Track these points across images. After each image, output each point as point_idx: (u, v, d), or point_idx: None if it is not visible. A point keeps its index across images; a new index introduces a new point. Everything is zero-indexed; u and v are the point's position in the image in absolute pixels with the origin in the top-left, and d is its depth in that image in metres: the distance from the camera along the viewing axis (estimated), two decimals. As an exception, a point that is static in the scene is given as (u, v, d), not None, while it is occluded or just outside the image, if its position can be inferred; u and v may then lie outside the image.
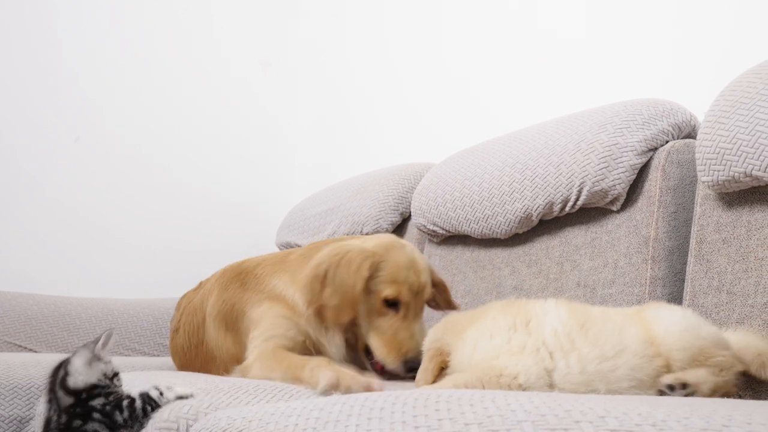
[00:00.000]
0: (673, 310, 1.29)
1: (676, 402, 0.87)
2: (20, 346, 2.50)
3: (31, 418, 1.71)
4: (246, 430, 0.88)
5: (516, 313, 1.26)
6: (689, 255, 1.56)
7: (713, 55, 2.07)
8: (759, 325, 1.38)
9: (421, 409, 0.80)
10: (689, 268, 1.55)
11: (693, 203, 1.66)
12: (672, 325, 1.23)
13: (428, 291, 1.64)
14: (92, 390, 1.16)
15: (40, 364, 1.89)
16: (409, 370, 1.50)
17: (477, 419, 0.71)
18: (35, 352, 2.49)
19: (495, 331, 1.24)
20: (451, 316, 1.42)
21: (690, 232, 1.63)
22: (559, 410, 0.71)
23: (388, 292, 1.56)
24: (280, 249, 2.96)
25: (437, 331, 1.37)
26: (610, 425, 0.64)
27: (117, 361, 2.12)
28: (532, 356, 1.19)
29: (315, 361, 1.43)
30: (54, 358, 2.02)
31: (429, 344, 1.37)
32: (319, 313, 1.57)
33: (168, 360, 2.43)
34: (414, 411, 0.79)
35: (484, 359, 1.22)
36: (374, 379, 1.33)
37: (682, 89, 2.08)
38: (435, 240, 2.27)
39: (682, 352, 1.19)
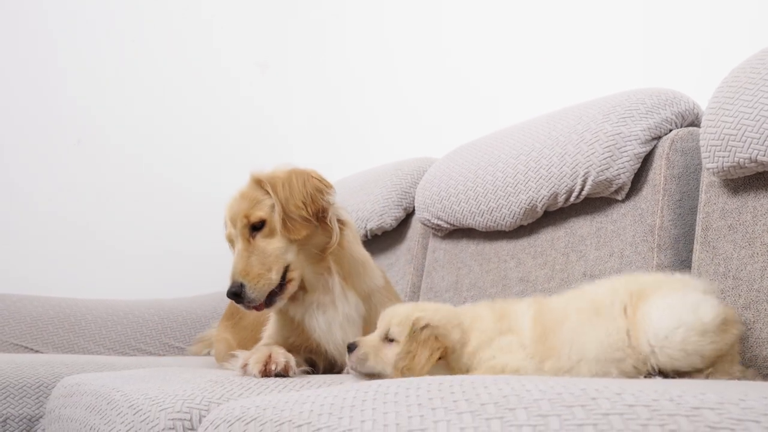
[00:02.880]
0: (674, 314, 1.16)
1: (688, 382, 0.87)
2: (26, 347, 2.51)
3: (41, 416, 1.72)
4: (261, 418, 0.88)
5: (501, 317, 1.31)
6: (695, 242, 1.56)
7: (713, 44, 2.07)
8: (766, 310, 1.38)
9: (435, 392, 0.80)
10: (695, 255, 1.55)
11: (698, 191, 1.67)
12: (671, 338, 1.14)
13: (241, 219, 1.57)
14: None
15: (48, 364, 1.90)
16: (231, 295, 1.50)
17: (493, 399, 0.72)
18: (41, 353, 2.49)
19: (493, 336, 1.28)
20: (442, 308, 1.38)
21: (695, 220, 1.63)
22: (574, 389, 0.71)
23: None
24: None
25: (433, 315, 1.33)
26: (627, 401, 0.64)
27: (123, 362, 2.13)
28: (521, 352, 1.22)
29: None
30: (61, 359, 2.03)
31: (414, 321, 1.31)
32: None
33: (174, 359, 2.43)
34: (429, 394, 0.80)
35: (483, 360, 1.26)
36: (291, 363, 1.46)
37: (683, 78, 2.09)
38: (439, 234, 2.27)
39: (671, 362, 1.15)
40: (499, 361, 1.21)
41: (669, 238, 1.64)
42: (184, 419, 1.09)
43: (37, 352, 2.51)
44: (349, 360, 1.36)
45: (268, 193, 1.60)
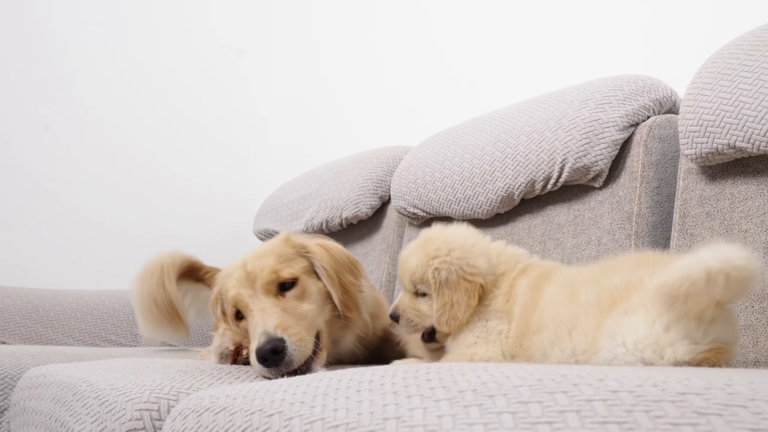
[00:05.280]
0: None
1: (672, 368, 0.85)
2: (-8, 338, 2.44)
3: (5, 409, 1.67)
4: (230, 408, 0.85)
5: (511, 287, 1.22)
6: (673, 229, 1.55)
7: (690, 32, 2.06)
8: (743, 298, 1.37)
9: (411, 379, 0.78)
10: (673, 243, 1.54)
11: (675, 178, 1.65)
12: None
13: (269, 273, 1.37)
14: None
15: (13, 355, 1.84)
16: (268, 353, 1.22)
17: (471, 386, 0.69)
18: (7, 344, 2.43)
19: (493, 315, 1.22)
20: (455, 241, 1.28)
21: (673, 207, 1.62)
22: (555, 375, 0.69)
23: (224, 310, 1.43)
24: (258, 237, 2.92)
25: (450, 258, 1.25)
26: (610, 386, 0.62)
27: (92, 352, 2.08)
28: (499, 344, 1.17)
29: None
30: (27, 350, 1.97)
31: (434, 276, 1.25)
32: None
33: (144, 350, 2.38)
34: (404, 382, 0.77)
35: (465, 343, 1.21)
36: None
37: (660, 66, 2.07)
38: (415, 223, 2.24)
39: None
40: (475, 352, 1.16)
41: (646, 226, 1.63)
42: (152, 410, 1.05)
43: (2, 343, 2.45)
44: (398, 330, 1.35)
45: (302, 255, 1.44)
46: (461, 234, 1.29)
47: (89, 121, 3.23)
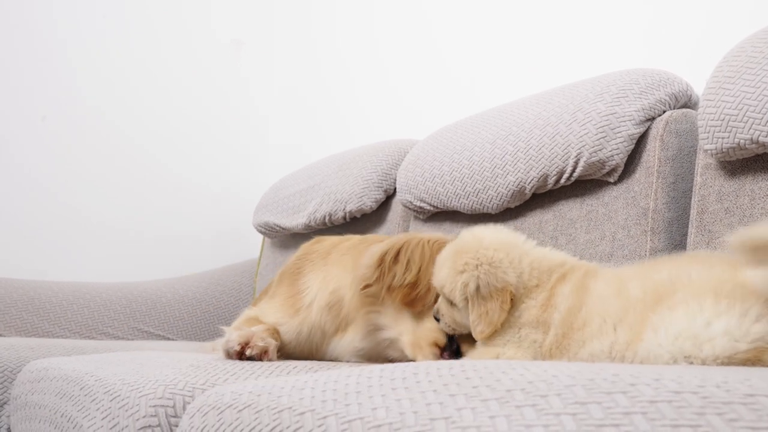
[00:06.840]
0: None
1: (723, 368, 0.82)
2: (-12, 331, 2.40)
3: (5, 402, 1.63)
4: (255, 405, 0.81)
5: (550, 298, 1.16)
6: (690, 226, 1.53)
7: (691, 30, 2.04)
8: (766, 295, 1.35)
9: (448, 377, 0.74)
10: (690, 239, 1.52)
11: (692, 174, 1.63)
12: None
13: None
14: None
15: (12, 348, 1.81)
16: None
17: (518, 385, 0.66)
18: (3, 336, 2.38)
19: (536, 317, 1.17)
20: (483, 252, 1.22)
21: (689, 203, 1.59)
22: (606, 374, 0.66)
23: None
24: (258, 230, 2.88)
25: (477, 272, 1.19)
26: (671, 387, 0.59)
27: (92, 345, 2.04)
28: (533, 351, 1.14)
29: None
30: (26, 342, 1.93)
31: (463, 290, 1.21)
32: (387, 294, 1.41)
33: (145, 343, 2.35)
34: (442, 380, 0.74)
35: (494, 344, 1.18)
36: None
37: (668, 61, 2.05)
38: (421, 217, 2.21)
39: None
40: (503, 351, 1.13)
41: (663, 222, 1.60)
42: (167, 406, 1.01)
43: (-1, 335, 2.41)
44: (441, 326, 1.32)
45: None
46: (493, 246, 1.22)
47: (88, 120, 3.18)
